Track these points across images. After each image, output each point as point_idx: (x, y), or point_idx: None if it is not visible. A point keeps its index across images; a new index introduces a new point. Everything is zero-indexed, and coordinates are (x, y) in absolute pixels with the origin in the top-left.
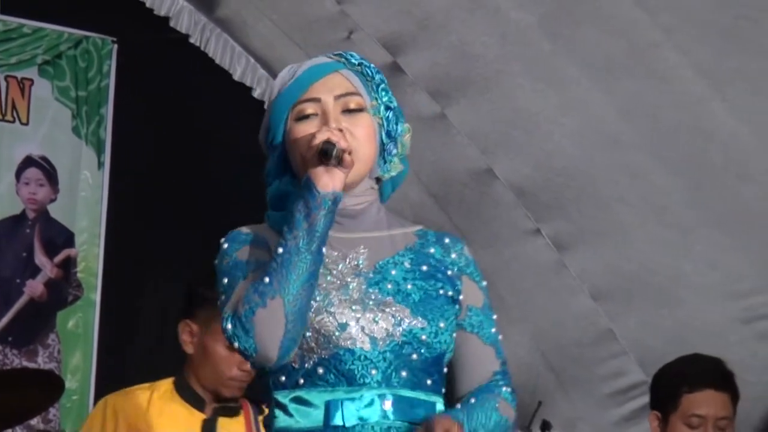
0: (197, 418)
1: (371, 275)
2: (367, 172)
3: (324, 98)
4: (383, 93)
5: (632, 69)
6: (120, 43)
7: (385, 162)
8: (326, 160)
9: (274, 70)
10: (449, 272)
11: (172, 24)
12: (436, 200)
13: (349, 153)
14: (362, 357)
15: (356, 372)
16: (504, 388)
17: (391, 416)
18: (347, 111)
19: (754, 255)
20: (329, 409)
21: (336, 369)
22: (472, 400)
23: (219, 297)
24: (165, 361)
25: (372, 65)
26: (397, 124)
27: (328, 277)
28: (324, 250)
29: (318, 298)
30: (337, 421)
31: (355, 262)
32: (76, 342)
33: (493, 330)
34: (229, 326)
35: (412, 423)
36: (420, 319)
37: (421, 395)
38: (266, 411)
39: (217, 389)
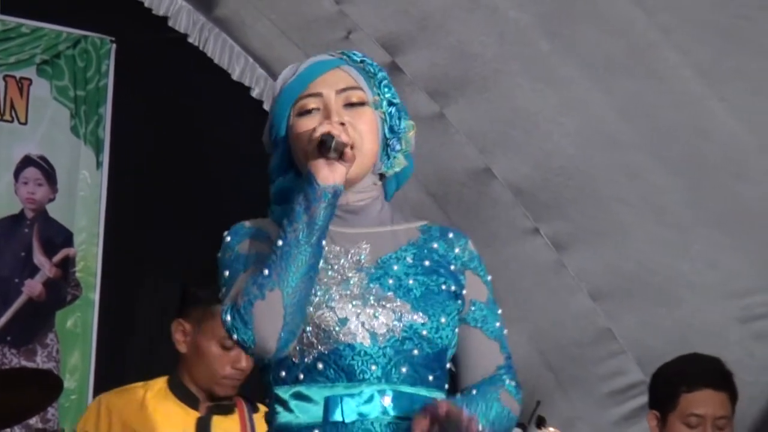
0: (191, 416)
1: (373, 270)
2: (370, 167)
3: (326, 93)
4: (386, 89)
5: (631, 69)
6: (118, 43)
7: (388, 158)
8: (325, 151)
9: (273, 69)
10: (452, 267)
11: (170, 23)
12: (434, 200)
13: (351, 147)
14: (362, 352)
15: (356, 367)
16: (508, 381)
17: (391, 412)
18: (349, 105)
19: (753, 255)
20: (329, 404)
21: (336, 364)
22: (474, 391)
23: (220, 290)
24: (163, 361)
25: (374, 63)
26: (400, 120)
27: (329, 272)
28: (326, 244)
29: (318, 293)
30: (337, 417)
31: (357, 257)
32: (75, 341)
33: (498, 324)
34: (229, 318)
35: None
36: (420, 314)
37: (422, 391)
38: (261, 409)
39: (211, 388)
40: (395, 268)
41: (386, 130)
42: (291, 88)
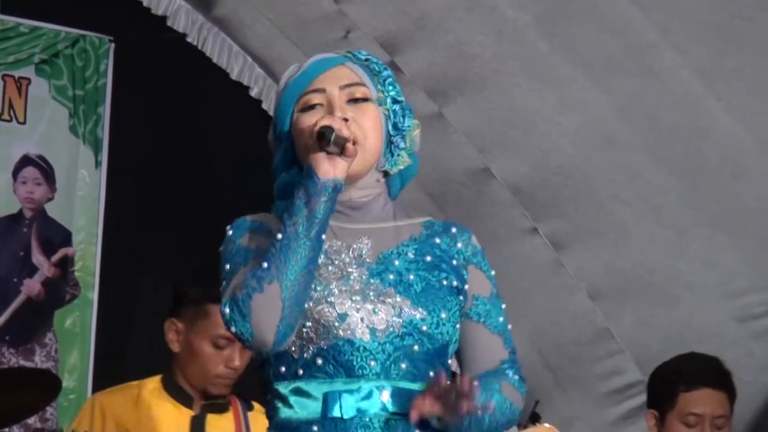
0: (186, 415)
1: (374, 266)
2: (373, 163)
3: (329, 89)
4: (390, 87)
5: (629, 68)
6: (117, 42)
7: (392, 155)
8: (325, 144)
9: (272, 69)
10: (454, 262)
11: (169, 23)
12: (433, 199)
13: (354, 143)
14: (361, 348)
15: (355, 363)
16: (511, 375)
17: (390, 408)
18: (353, 101)
19: (751, 254)
20: (327, 400)
21: (335, 360)
22: (475, 382)
23: (221, 283)
24: (162, 360)
25: (379, 61)
26: (404, 117)
27: (330, 267)
28: (327, 239)
29: (318, 288)
30: (335, 413)
31: (358, 252)
32: (74, 341)
33: (501, 319)
34: (227, 310)
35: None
36: (420, 309)
37: (422, 387)
38: (255, 407)
39: (205, 387)
40: (396, 263)
41: (390, 127)
42: (295, 84)
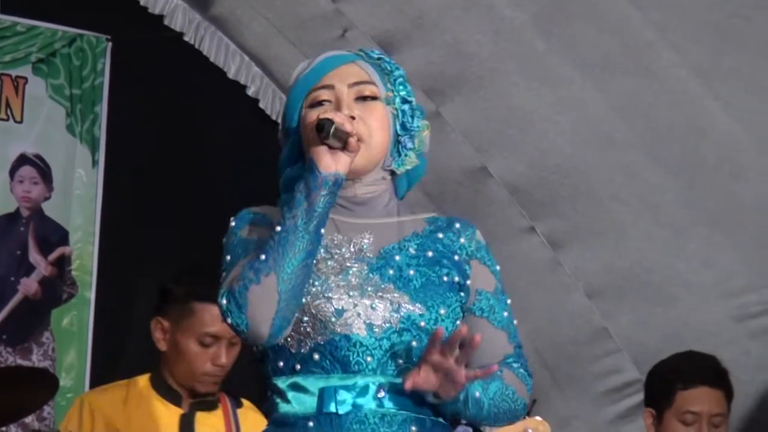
0: (174, 413)
1: (374, 261)
2: (379, 161)
3: (338, 85)
4: (401, 86)
5: (627, 68)
6: (114, 42)
7: (399, 155)
8: (324, 136)
9: (269, 68)
10: (456, 257)
11: (166, 22)
12: (430, 198)
13: (359, 139)
14: (358, 344)
15: (351, 359)
16: (516, 367)
17: (386, 404)
18: (361, 99)
19: (748, 253)
20: (323, 396)
21: (331, 355)
22: (477, 370)
23: (221, 274)
24: (159, 359)
25: (392, 61)
26: (413, 118)
27: (329, 262)
28: (329, 233)
29: (317, 283)
30: (331, 408)
31: (359, 247)
32: (71, 340)
33: (506, 314)
34: (224, 301)
35: (408, 411)
36: (419, 305)
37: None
38: (245, 404)
39: (192, 385)
40: (397, 258)
41: (398, 127)
42: (304, 80)
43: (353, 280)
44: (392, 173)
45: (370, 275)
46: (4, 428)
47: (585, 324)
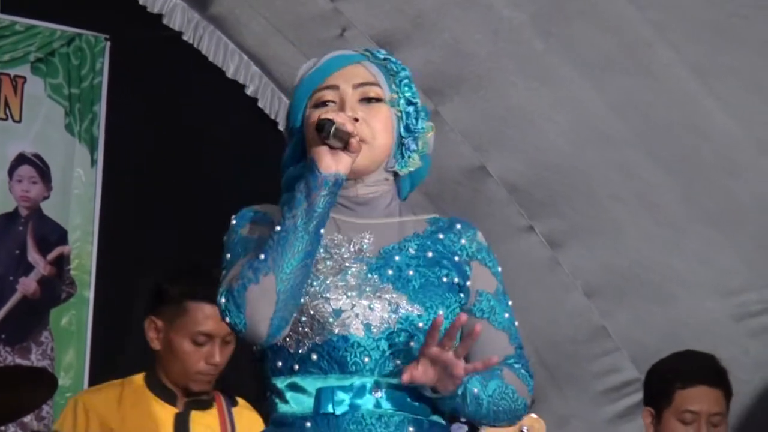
0: (170, 412)
1: (374, 261)
2: (381, 162)
3: (342, 86)
4: (406, 88)
5: (625, 66)
6: (113, 41)
7: (403, 157)
8: (324, 136)
9: (268, 67)
10: (456, 258)
11: (165, 21)
12: (429, 198)
13: (361, 140)
14: (355, 344)
15: (348, 359)
16: (517, 367)
17: (383, 405)
18: (365, 100)
19: (747, 252)
20: (320, 396)
21: (329, 356)
22: (477, 363)
23: (221, 272)
24: (154, 359)
25: (398, 61)
26: (417, 120)
27: (328, 262)
28: (329, 232)
29: (315, 283)
30: (328, 409)
31: (359, 246)
32: (70, 339)
33: (507, 315)
34: (222, 300)
35: (405, 412)
36: (417, 306)
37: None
38: (240, 402)
39: (186, 384)
40: (396, 258)
41: (402, 129)
42: (309, 80)
43: (352, 280)
44: (395, 174)
45: (369, 275)
46: (2, 428)
47: (584, 323)
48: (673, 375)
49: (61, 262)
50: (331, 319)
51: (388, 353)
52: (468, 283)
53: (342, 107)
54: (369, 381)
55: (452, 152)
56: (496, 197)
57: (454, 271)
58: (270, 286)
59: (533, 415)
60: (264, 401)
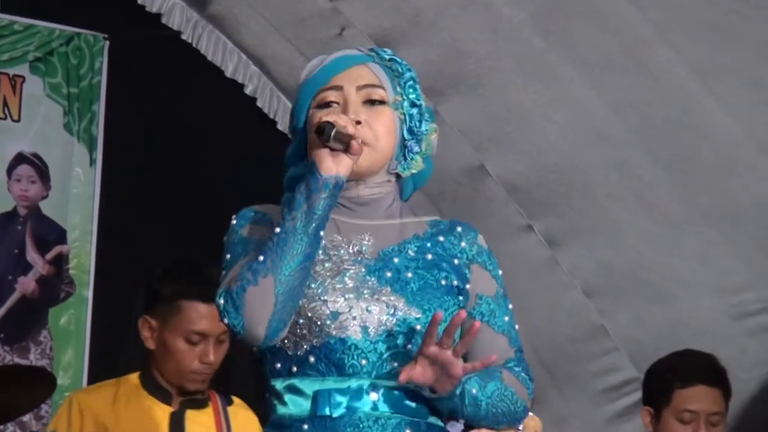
0: (165, 411)
1: (372, 263)
2: (384, 164)
3: (346, 87)
4: (411, 90)
5: (624, 65)
6: (112, 40)
7: (405, 159)
8: (325, 140)
9: (266, 66)
10: (456, 261)
11: (164, 21)
12: (428, 197)
13: (363, 143)
14: (353, 346)
15: (346, 361)
16: (517, 370)
17: (380, 407)
18: (369, 102)
19: (745, 251)
20: (317, 399)
21: (327, 358)
22: (475, 362)
23: (221, 272)
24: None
25: (404, 62)
26: (421, 122)
27: (327, 264)
28: (329, 233)
29: (313, 285)
30: (325, 411)
31: (358, 248)
32: (68, 339)
33: (507, 319)
34: (221, 301)
35: (402, 415)
36: (415, 308)
37: (413, 388)
38: (235, 401)
39: (181, 383)
40: (395, 260)
41: (405, 131)
42: (314, 79)
43: (350, 282)
44: (397, 176)
45: (367, 277)
46: (1, 427)
47: (582, 322)
48: (672, 374)
49: (60, 261)
50: (328, 322)
51: (385, 356)
52: (467, 286)
53: (345, 109)
54: (366, 383)
55: (451, 151)
56: (495, 196)
57: (454, 274)
58: (268, 288)
59: (529, 413)
60: (264, 402)
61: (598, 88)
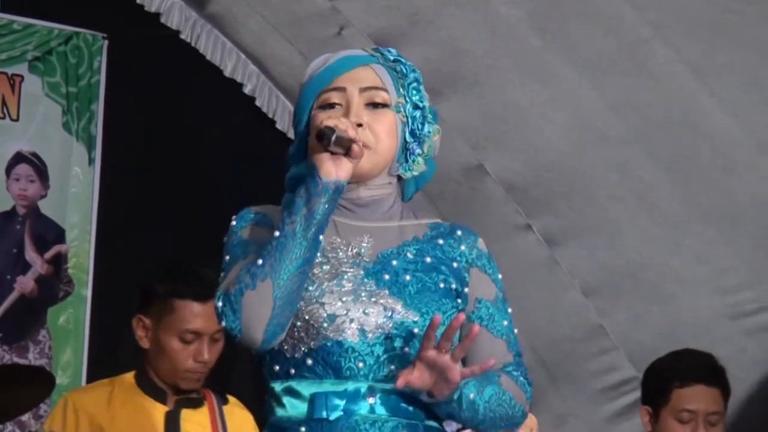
0: (160, 410)
1: (371, 265)
2: (385, 167)
3: (349, 89)
4: (414, 92)
5: (622, 64)
6: (110, 39)
7: (407, 161)
8: (327, 144)
9: (265, 66)
10: (455, 264)
11: (162, 20)
12: (426, 196)
13: (364, 146)
14: (350, 349)
15: (343, 364)
16: (516, 375)
17: (378, 410)
18: (371, 105)
19: (744, 251)
20: (314, 401)
21: (324, 361)
22: (473, 367)
23: (220, 273)
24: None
25: (409, 63)
26: (423, 124)
27: (325, 266)
28: (328, 235)
29: (310, 288)
30: (322, 414)
31: (356, 250)
32: (67, 338)
33: (506, 323)
34: (220, 304)
35: (400, 417)
36: (412, 311)
37: (411, 391)
38: (230, 400)
39: (175, 382)
40: (394, 263)
41: (407, 134)
42: (318, 79)
43: (347, 285)
44: (399, 177)
45: (365, 280)
46: (0, 426)
47: (581, 322)
48: (671, 374)
49: (59, 260)
50: (325, 324)
51: (382, 358)
52: (466, 289)
53: (347, 111)
54: (363, 386)
55: (449, 151)
56: (493, 195)
57: (452, 277)
58: (267, 292)
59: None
60: (264, 403)
61: (595, 87)
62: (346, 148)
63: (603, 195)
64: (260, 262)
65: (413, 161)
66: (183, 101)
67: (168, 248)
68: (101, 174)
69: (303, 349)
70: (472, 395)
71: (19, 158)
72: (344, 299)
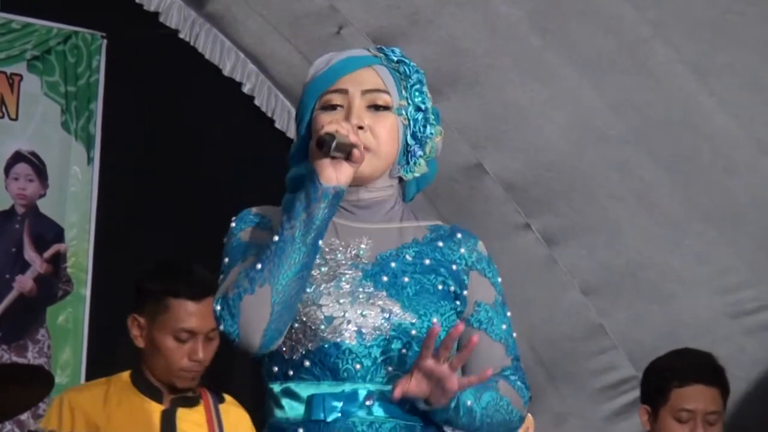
0: (156, 409)
1: (369, 267)
2: (386, 169)
3: (351, 91)
4: (416, 93)
5: (622, 64)
6: (109, 39)
7: (408, 163)
8: (327, 150)
9: (264, 65)
10: (454, 266)
11: (161, 19)
12: (425, 196)
13: (365, 149)
14: (347, 351)
15: (340, 366)
16: (513, 379)
17: (375, 412)
18: (373, 107)
19: (743, 250)
20: (312, 403)
21: (321, 362)
22: (471, 377)
23: (219, 275)
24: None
25: (413, 64)
26: (425, 126)
27: (323, 268)
28: (327, 236)
29: (308, 290)
30: (319, 415)
31: (355, 252)
32: (66, 337)
33: (504, 327)
34: (218, 307)
35: (397, 419)
36: (410, 313)
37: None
38: (226, 399)
39: (171, 381)
40: (393, 265)
41: (408, 136)
42: (320, 80)
43: (345, 286)
44: (400, 178)
45: (364, 282)
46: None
47: (581, 321)
48: (670, 373)
49: (58, 259)
50: (323, 326)
51: (380, 360)
52: (465, 292)
53: (348, 113)
54: (361, 388)
55: (449, 150)
56: (492, 195)
57: (451, 279)
58: (265, 297)
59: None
60: (264, 404)
61: (595, 87)
62: (346, 152)
63: (603, 194)
64: (259, 266)
65: (414, 163)
66: (182, 101)
67: (167, 247)
68: (100, 173)
69: (301, 350)
70: (469, 402)
71: (18, 157)
72: (342, 301)
